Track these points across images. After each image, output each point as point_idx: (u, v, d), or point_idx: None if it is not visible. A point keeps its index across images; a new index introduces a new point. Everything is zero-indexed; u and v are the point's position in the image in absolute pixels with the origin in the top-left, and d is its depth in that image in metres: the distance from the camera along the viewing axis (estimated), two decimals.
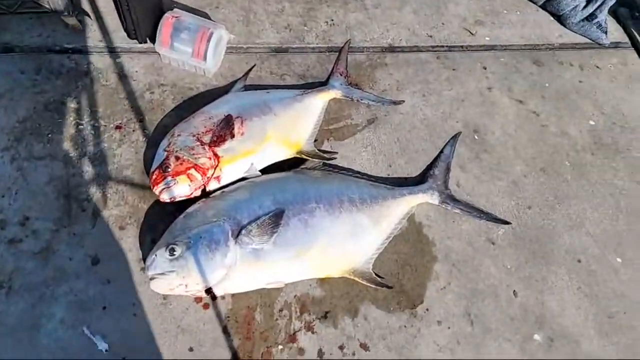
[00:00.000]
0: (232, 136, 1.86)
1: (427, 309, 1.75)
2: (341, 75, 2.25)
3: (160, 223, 1.80)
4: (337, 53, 2.33)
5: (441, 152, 2.11)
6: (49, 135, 1.94)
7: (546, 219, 1.99)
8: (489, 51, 2.49)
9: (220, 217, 1.67)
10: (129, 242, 1.76)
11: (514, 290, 1.82)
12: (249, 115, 1.94)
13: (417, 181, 2.03)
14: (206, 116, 1.93)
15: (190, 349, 1.60)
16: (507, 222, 1.95)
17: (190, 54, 2.10)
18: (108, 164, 1.92)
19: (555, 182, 2.10)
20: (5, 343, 1.54)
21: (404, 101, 2.24)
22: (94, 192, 1.84)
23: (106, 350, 1.56)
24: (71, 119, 2.00)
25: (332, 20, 2.48)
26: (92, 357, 1.55)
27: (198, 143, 1.84)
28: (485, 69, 2.42)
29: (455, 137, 2.16)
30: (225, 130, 1.87)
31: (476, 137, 2.20)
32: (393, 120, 2.20)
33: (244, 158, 1.86)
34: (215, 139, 1.85)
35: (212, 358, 1.59)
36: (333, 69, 2.27)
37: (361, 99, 2.20)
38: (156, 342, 1.60)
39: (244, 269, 1.61)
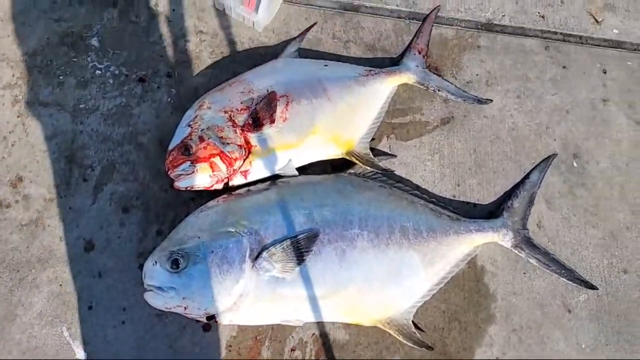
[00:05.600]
0: (272, 122, 1.49)
1: None
2: (419, 53, 1.78)
3: (171, 212, 1.51)
4: (420, 23, 1.85)
5: (526, 177, 1.67)
6: (60, 78, 1.62)
7: None
8: (615, 49, 1.93)
9: (240, 228, 1.35)
10: (131, 229, 1.48)
11: None
12: (297, 96, 1.55)
13: (488, 211, 1.63)
14: (245, 87, 1.55)
15: None
16: (593, 287, 1.55)
17: (240, 0, 1.68)
18: (122, 124, 1.60)
19: None
20: None
21: (491, 100, 1.77)
22: (101, 158, 1.55)
23: None
24: (89, 59, 1.66)
25: None
26: None
27: (230, 123, 1.48)
28: (604, 72, 1.88)
29: (548, 160, 1.71)
30: (264, 112, 1.49)
31: (575, 164, 1.73)
32: (473, 124, 1.75)
33: (281, 151, 1.50)
34: (250, 121, 1.48)
35: None
36: (411, 43, 1.81)
37: (438, 90, 1.74)
38: None
39: (257, 301, 1.32)
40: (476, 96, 1.76)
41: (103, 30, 1.70)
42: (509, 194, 1.64)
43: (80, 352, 1.34)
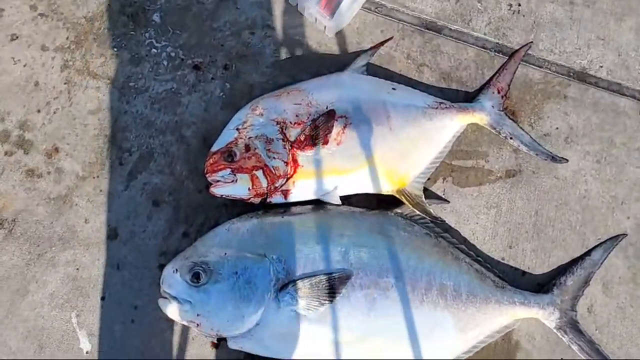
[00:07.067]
0: (326, 143, 1.38)
1: None
2: (498, 92, 1.61)
3: (202, 214, 1.43)
4: (506, 58, 1.67)
5: (587, 254, 1.51)
6: (115, 49, 1.55)
7: None
8: None
9: (270, 253, 1.26)
10: (158, 225, 1.41)
11: None
12: (357, 120, 1.42)
13: (537, 283, 1.48)
14: (304, 99, 1.44)
15: None
16: None
17: (316, 0, 1.54)
18: (169, 112, 1.51)
19: None
20: None
21: (567, 160, 1.59)
22: (141, 144, 1.47)
23: (87, 352, 1.29)
24: (147, 35, 1.57)
25: (519, 5, 1.76)
26: (68, 354, 1.28)
27: (280, 136, 1.37)
28: None
29: (615, 240, 1.53)
30: (319, 131, 1.38)
31: None
32: (541, 183, 1.59)
33: (328, 177, 1.38)
34: (302, 138, 1.37)
35: None
36: (491, 80, 1.64)
37: (511, 137, 1.58)
38: None
39: (272, 334, 1.23)
40: (551, 152, 1.58)
41: (167, 6, 1.60)
42: (564, 269, 1.49)
43: (85, 342, 1.30)
